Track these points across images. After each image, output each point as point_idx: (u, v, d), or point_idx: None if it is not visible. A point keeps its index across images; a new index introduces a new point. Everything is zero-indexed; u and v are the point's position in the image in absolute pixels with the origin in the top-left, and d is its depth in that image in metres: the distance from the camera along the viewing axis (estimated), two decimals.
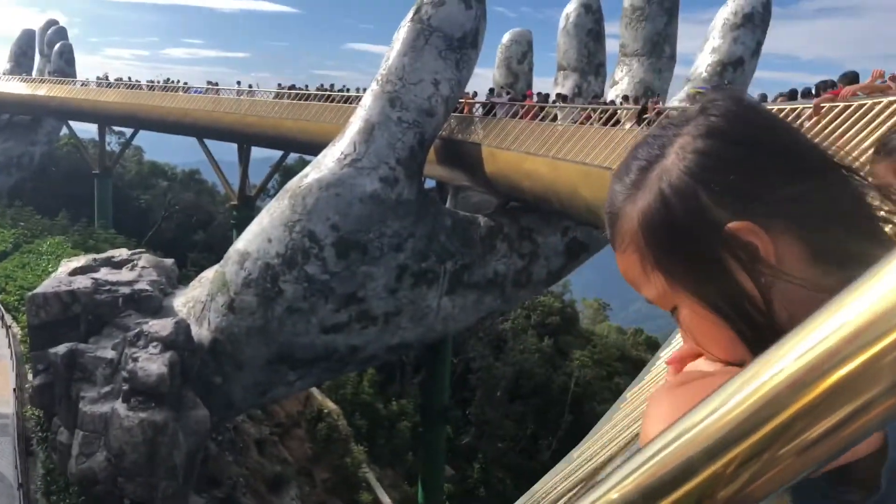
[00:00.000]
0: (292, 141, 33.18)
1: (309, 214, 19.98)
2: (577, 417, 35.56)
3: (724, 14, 24.61)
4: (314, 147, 26.92)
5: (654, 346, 46.98)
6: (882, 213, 0.84)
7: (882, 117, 6.05)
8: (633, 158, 0.94)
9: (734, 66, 24.77)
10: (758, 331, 0.83)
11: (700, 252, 0.83)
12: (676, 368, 0.93)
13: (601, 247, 25.41)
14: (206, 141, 39.73)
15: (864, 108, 6.93)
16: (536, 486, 3.47)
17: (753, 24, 24.69)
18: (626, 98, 22.72)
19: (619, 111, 19.27)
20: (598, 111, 19.80)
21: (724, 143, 0.85)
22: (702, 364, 0.91)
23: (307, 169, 21.12)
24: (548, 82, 30.31)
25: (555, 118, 21.58)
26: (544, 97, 24.15)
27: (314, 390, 30.15)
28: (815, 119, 9.14)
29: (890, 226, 0.85)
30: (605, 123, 18.93)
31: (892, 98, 6.21)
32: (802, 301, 0.81)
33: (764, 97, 17.72)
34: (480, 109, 24.68)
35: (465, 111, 24.79)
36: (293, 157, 44.48)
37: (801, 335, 0.46)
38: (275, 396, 23.13)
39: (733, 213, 0.82)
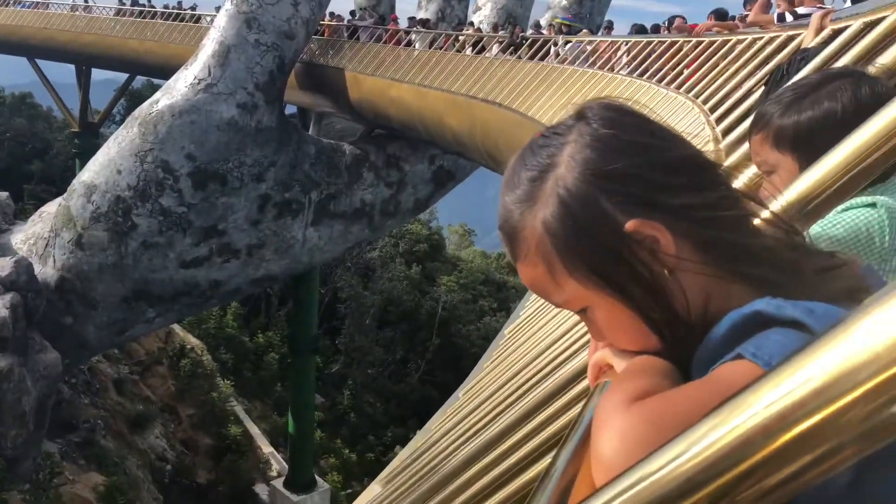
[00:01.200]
0: (138, 63, 30.75)
1: (161, 143, 18.86)
2: (445, 340, 36.69)
3: None
4: (164, 70, 25.22)
5: (515, 270, 48.86)
6: (753, 212, 0.94)
7: (732, 56, 6.42)
8: (521, 170, 0.96)
9: None
10: (665, 319, 0.90)
11: (607, 251, 0.88)
12: (604, 371, 0.99)
13: (467, 174, 25.74)
14: (39, 61, 36.02)
15: (715, 45, 7.33)
16: (427, 427, 3.54)
17: None
18: (471, 25, 22.69)
19: (485, 38, 19.25)
20: (464, 38, 19.69)
21: (610, 148, 0.90)
22: (607, 354, 0.98)
23: (157, 94, 19.78)
24: (412, 5, 29.67)
25: (432, 44, 21.10)
26: (414, 22, 23.61)
27: (175, 326, 29.09)
28: (670, 52, 9.55)
29: (768, 226, 0.95)
30: (463, 50, 18.87)
31: (740, 37, 6.59)
32: (699, 289, 0.89)
33: (610, 24, 18.25)
34: (344, 33, 23.85)
35: (326, 34, 23.88)
36: (140, 80, 41.33)
37: (773, 383, 0.46)
38: (134, 335, 22.14)
39: (630, 214, 0.88)
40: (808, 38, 3.65)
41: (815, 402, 0.44)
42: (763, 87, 3.93)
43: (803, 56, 3.26)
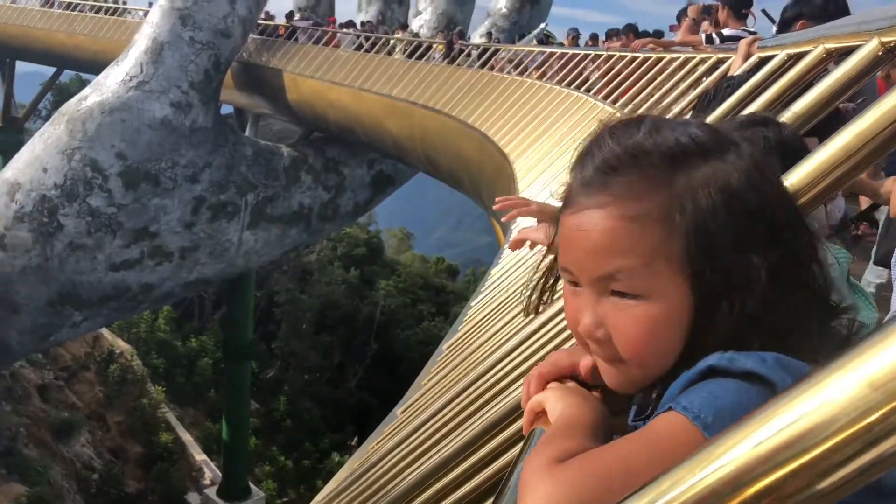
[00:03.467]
0: (66, 57, 29.70)
1: (91, 141, 18.28)
2: (383, 345, 36.50)
3: None
4: (93, 65, 24.49)
5: (454, 273, 49.05)
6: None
7: (668, 72, 6.62)
8: (679, 127, 0.85)
9: (532, 3, 25.65)
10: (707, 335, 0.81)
11: (750, 246, 0.79)
12: (539, 417, 0.94)
13: (407, 179, 25.75)
14: None
15: (649, 62, 7.54)
16: (365, 447, 3.53)
17: None
18: (403, 29, 22.72)
19: (424, 44, 19.29)
20: (404, 43, 19.70)
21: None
22: (543, 399, 0.92)
23: (86, 90, 19.18)
24: (351, 7, 29.52)
25: (360, 47, 21.04)
26: (349, 24, 23.47)
27: (104, 330, 28.17)
28: (605, 67, 9.78)
29: None
30: (409, 56, 18.90)
31: (673, 55, 6.80)
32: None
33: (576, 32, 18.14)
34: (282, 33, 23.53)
35: (282, 32, 23.43)
36: (68, 74, 39.87)
37: (714, 453, 0.50)
38: (60, 339, 21.31)
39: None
40: (735, 65, 3.82)
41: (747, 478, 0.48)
42: (692, 112, 4.08)
43: (729, 84, 3.41)
